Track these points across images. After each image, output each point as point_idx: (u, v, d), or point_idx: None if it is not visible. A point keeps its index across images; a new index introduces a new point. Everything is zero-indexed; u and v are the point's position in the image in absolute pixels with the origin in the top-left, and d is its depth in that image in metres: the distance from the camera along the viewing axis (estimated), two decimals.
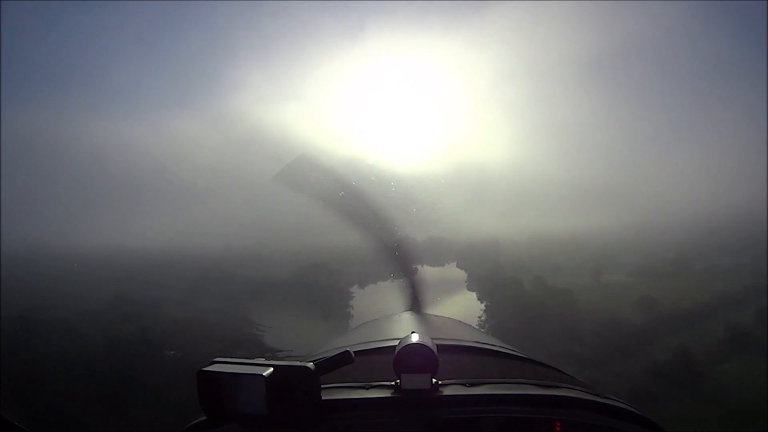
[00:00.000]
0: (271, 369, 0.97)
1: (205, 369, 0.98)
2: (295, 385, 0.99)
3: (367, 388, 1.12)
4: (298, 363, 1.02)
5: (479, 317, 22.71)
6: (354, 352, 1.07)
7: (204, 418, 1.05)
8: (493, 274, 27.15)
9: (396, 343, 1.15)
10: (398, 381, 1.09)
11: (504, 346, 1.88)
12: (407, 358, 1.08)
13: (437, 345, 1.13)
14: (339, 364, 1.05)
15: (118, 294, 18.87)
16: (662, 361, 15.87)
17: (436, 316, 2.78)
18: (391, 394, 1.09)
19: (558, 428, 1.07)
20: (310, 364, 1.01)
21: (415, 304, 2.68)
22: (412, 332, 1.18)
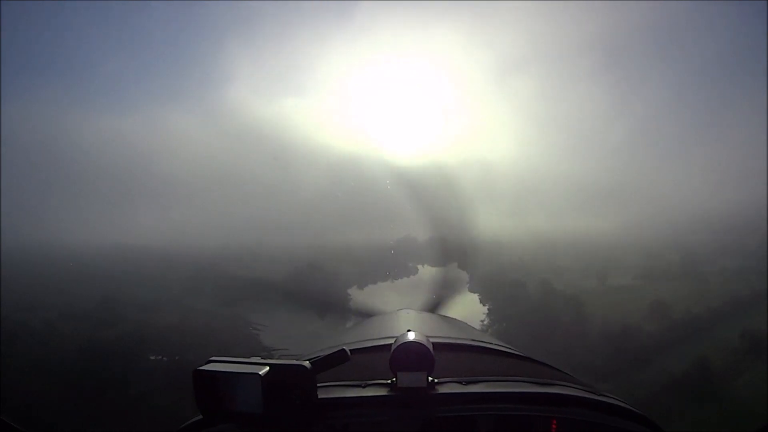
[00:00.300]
0: (267, 368, 1.00)
1: (202, 368, 1.01)
2: (291, 384, 1.01)
3: (364, 387, 1.14)
4: (294, 362, 1.04)
5: (482, 321, 22.64)
6: (350, 350, 1.10)
7: (200, 417, 1.07)
8: (497, 276, 27.12)
9: (392, 341, 1.17)
10: (394, 379, 1.12)
11: (500, 343, 1.91)
12: (403, 356, 1.10)
13: (433, 343, 1.15)
14: (335, 362, 1.08)
15: (107, 294, 18.70)
16: (678, 369, 15.70)
17: (432, 314, 2.82)
18: (388, 392, 1.12)
19: (554, 426, 1.09)
20: (306, 363, 1.04)
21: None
22: (408, 330, 1.20)
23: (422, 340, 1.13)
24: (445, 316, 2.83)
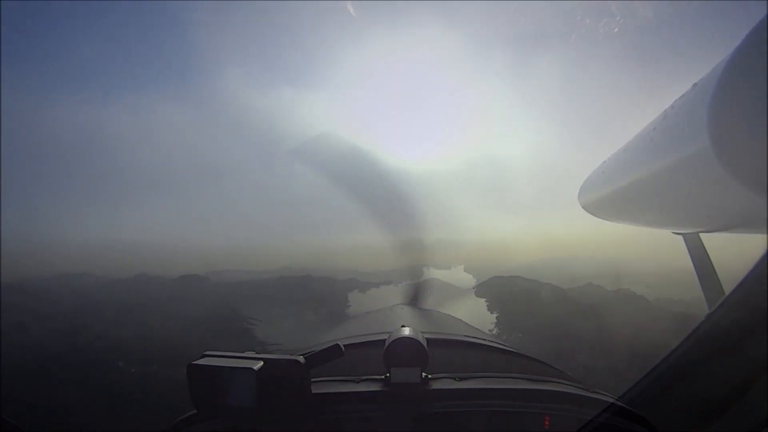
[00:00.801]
0: (262, 362, 1.05)
1: (196, 362, 1.06)
2: (285, 379, 1.07)
3: (357, 382, 1.20)
4: (288, 356, 1.10)
5: (490, 330, 22.45)
6: (344, 345, 1.14)
7: (195, 411, 1.13)
8: (503, 279, 27.01)
9: (386, 336, 1.22)
10: (388, 374, 1.17)
11: (493, 340, 1.96)
12: (397, 351, 1.15)
13: (427, 339, 1.20)
14: (329, 357, 1.12)
15: (89, 294, 18.56)
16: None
17: (427, 310, 2.88)
18: (381, 387, 1.17)
19: (546, 422, 1.14)
20: (300, 358, 1.09)
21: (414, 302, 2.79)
22: (402, 326, 1.26)
23: (416, 335, 1.18)
24: (439, 313, 2.90)
